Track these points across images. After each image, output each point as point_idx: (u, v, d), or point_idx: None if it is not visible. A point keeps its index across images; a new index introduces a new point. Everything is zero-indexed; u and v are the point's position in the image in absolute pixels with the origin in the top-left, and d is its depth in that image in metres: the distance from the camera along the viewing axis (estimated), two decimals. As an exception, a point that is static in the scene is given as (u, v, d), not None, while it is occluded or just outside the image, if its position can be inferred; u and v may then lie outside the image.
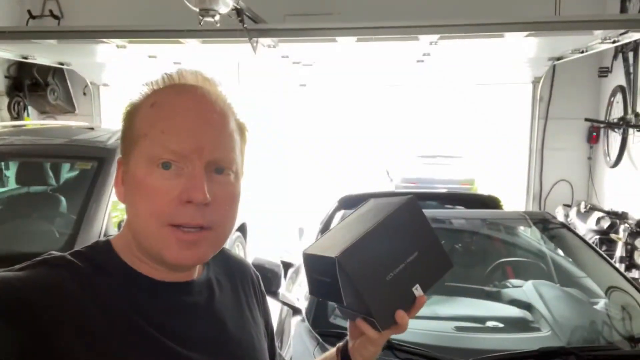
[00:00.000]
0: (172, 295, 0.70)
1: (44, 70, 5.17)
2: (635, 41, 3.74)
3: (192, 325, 0.70)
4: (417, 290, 0.73)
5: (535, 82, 4.86)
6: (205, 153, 0.65)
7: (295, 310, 2.05)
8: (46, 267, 0.65)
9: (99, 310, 0.63)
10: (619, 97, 4.25)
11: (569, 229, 2.54)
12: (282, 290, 2.19)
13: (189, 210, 0.64)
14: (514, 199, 5.29)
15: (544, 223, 2.64)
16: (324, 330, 1.80)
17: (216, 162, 0.66)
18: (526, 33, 3.13)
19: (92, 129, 3.30)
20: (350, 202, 3.14)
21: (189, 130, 0.65)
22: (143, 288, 0.68)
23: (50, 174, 3.02)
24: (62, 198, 2.82)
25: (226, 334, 0.74)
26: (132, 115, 0.69)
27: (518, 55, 4.31)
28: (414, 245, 0.75)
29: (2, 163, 3.10)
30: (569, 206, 4.63)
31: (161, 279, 0.70)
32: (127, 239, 0.70)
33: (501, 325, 1.86)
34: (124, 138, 0.70)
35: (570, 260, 2.51)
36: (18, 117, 5.22)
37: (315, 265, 0.77)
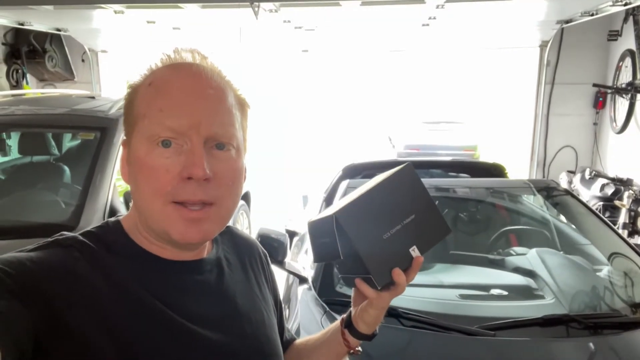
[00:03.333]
0: (182, 274, 0.71)
1: (42, 36, 5.07)
2: (647, 3, 3.63)
3: (202, 303, 0.71)
4: (414, 252, 0.75)
5: (543, 46, 4.76)
6: (203, 128, 0.65)
7: (302, 279, 2.07)
8: (59, 248, 0.65)
9: (110, 290, 0.64)
10: (628, 61, 4.16)
11: (573, 196, 2.54)
12: (288, 259, 2.21)
13: (190, 187, 0.64)
14: (518, 165, 5.28)
15: (548, 191, 2.64)
16: (330, 298, 1.83)
17: (215, 137, 0.66)
18: (536, -5, 3.03)
19: (93, 97, 3.27)
20: (354, 171, 3.13)
21: (185, 107, 0.65)
22: (153, 268, 0.69)
23: (53, 143, 3.01)
24: (66, 168, 2.81)
25: (236, 311, 0.75)
26: (132, 96, 0.69)
27: (526, 18, 4.19)
28: (410, 209, 0.77)
29: (4, 133, 3.09)
30: (573, 172, 4.62)
31: (171, 258, 0.71)
32: (135, 219, 0.71)
33: (505, 292, 1.88)
34: (125, 119, 0.70)
35: (574, 227, 2.52)
36: (17, 85, 5.16)
37: (317, 229, 0.80)
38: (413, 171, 0.79)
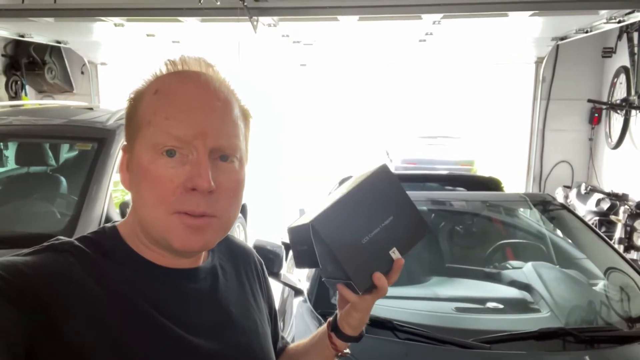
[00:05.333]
0: (177, 282, 0.71)
1: (41, 48, 5.10)
2: (640, 21, 3.69)
3: (196, 312, 0.71)
4: (395, 254, 0.74)
5: (538, 62, 4.82)
6: (209, 139, 0.64)
7: (297, 291, 2.06)
8: (54, 252, 0.65)
9: (106, 296, 0.63)
10: (622, 78, 4.21)
11: (569, 211, 2.55)
12: (283, 271, 2.21)
13: (193, 198, 0.64)
14: (514, 180, 5.30)
15: (544, 205, 2.65)
16: (325, 310, 1.82)
17: (220, 149, 0.66)
18: (531, 12, 3.08)
19: (91, 109, 3.27)
20: (351, 184, 3.13)
21: (192, 116, 0.64)
22: (149, 274, 0.69)
23: (50, 154, 3.01)
24: (63, 179, 2.81)
25: (230, 320, 0.75)
26: (136, 102, 0.69)
27: (521, 35, 4.25)
28: (388, 210, 0.76)
29: (1, 143, 3.09)
30: (569, 187, 4.64)
31: (167, 265, 0.70)
32: (133, 226, 0.70)
33: (501, 306, 1.87)
34: (128, 125, 0.70)
35: (570, 241, 2.52)
36: (16, 96, 5.17)
37: (297, 236, 0.79)
38: (388, 171, 0.78)
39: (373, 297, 0.76)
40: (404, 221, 0.77)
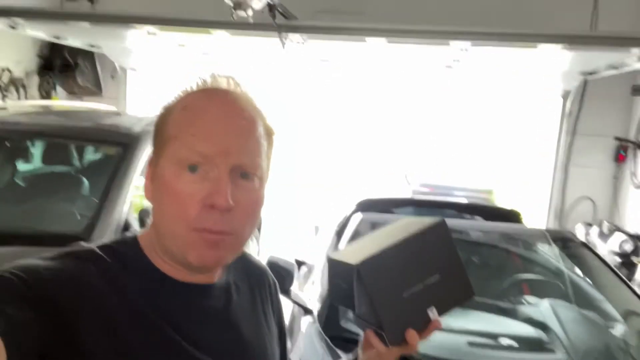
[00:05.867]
0: (191, 297, 0.71)
1: (75, 51, 5.24)
2: (673, 61, 3.63)
3: (207, 329, 0.71)
4: (433, 313, 0.73)
5: (565, 95, 4.76)
6: (231, 157, 0.66)
7: (307, 311, 2.05)
8: (76, 260, 0.66)
9: (121, 307, 0.64)
10: (651, 116, 4.14)
11: (590, 249, 2.49)
12: (294, 289, 2.20)
13: (212, 215, 0.65)
14: (533, 213, 5.20)
15: (564, 241, 2.59)
16: (334, 333, 1.80)
17: (242, 167, 0.67)
18: (561, 46, 3.06)
19: (118, 114, 3.34)
20: (368, 206, 3.12)
21: (216, 133, 0.66)
22: (164, 287, 0.70)
23: (75, 156, 3.07)
24: (86, 181, 2.86)
25: (240, 339, 0.75)
26: (165, 117, 0.71)
27: (549, 68, 4.22)
28: (436, 268, 0.74)
29: (29, 142, 3.16)
30: (590, 225, 4.53)
31: (182, 279, 0.71)
32: (152, 238, 0.71)
33: (515, 344, 1.83)
34: (156, 138, 0.72)
35: (589, 281, 2.46)
36: (47, 96, 5.31)
37: (337, 270, 0.78)
38: (446, 229, 0.77)
39: (400, 350, 0.74)
40: (449, 282, 0.75)
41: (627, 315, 2.11)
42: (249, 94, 0.73)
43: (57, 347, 0.58)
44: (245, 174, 0.67)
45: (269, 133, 0.74)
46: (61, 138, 2.93)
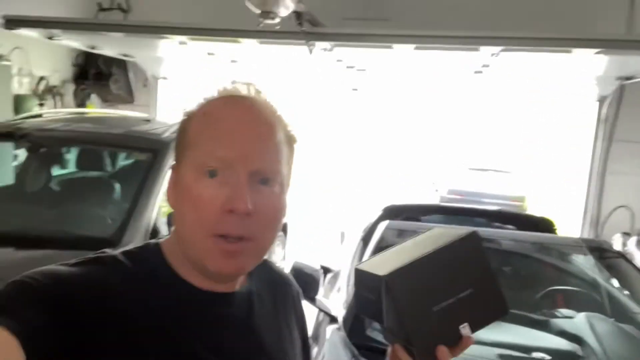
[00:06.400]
0: (213, 306, 0.71)
1: (108, 61, 5.40)
2: None
3: (228, 338, 0.70)
4: (465, 329, 0.69)
5: (601, 101, 4.61)
6: (250, 162, 0.65)
7: (332, 318, 2.03)
8: (99, 266, 0.66)
9: (141, 315, 0.64)
10: (693, 122, 3.96)
11: (627, 260, 2.39)
12: (319, 296, 2.18)
13: (231, 220, 0.64)
14: (567, 222, 5.04)
15: (600, 251, 2.50)
16: (359, 342, 1.77)
17: (261, 172, 0.66)
18: (596, 50, 2.96)
19: (148, 120, 3.42)
20: (394, 212, 3.08)
21: (235, 138, 0.66)
22: (185, 295, 0.69)
23: (108, 161, 3.15)
24: (117, 186, 2.93)
25: (261, 350, 0.74)
26: (186, 123, 0.71)
27: (584, 73, 4.09)
28: (468, 282, 0.71)
29: (64, 148, 3.26)
30: (628, 234, 4.35)
31: (203, 287, 0.70)
32: (175, 244, 0.71)
33: (548, 357, 1.76)
34: (177, 145, 0.72)
35: (627, 293, 2.35)
36: (82, 104, 5.49)
37: (365, 281, 0.76)
38: (479, 241, 0.74)
39: None
40: (482, 297, 0.71)
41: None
42: (269, 100, 0.73)
43: (72, 352, 0.58)
44: (265, 180, 0.67)
45: (290, 140, 0.73)
46: (94, 144, 3.01)
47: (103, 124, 3.29)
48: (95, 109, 5.40)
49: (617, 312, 2.20)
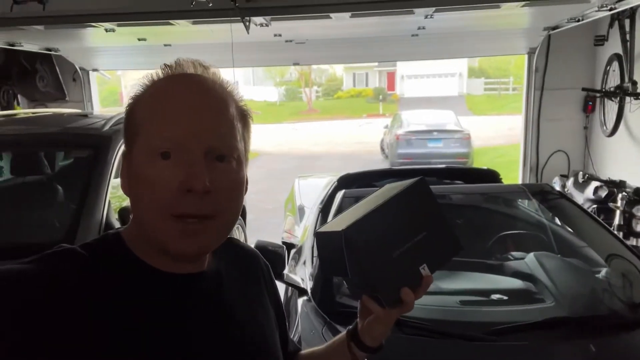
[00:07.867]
0: (180, 287, 0.70)
1: (32, 56, 5.07)
2: (631, 8, 3.70)
3: (200, 316, 0.70)
4: (424, 270, 0.74)
5: (531, 52, 4.82)
6: (204, 140, 0.64)
7: (301, 291, 2.06)
8: (56, 260, 0.64)
9: (107, 304, 0.63)
10: (615, 65, 4.22)
11: (568, 199, 2.55)
12: (286, 271, 2.20)
13: (190, 200, 0.63)
14: (511, 171, 5.31)
15: (542, 194, 2.65)
16: (330, 309, 1.82)
17: (216, 149, 0.65)
18: (522, 3, 3.08)
19: (85, 115, 3.25)
20: (349, 181, 3.13)
21: (185, 118, 0.64)
22: (152, 280, 0.68)
23: (45, 163, 2.99)
24: (60, 187, 2.79)
25: (235, 325, 0.74)
26: (133, 107, 0.69)
27: (513, 26, 4.25)
28: (422, 225, 0.75)
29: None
30: (566, 176, 4.65)
31: (169, 270, 0.69)
32: (135, 231, 0.70)
33: (505, 297, 1.88)
34: (126, 131, 0.69)
35: (570, 230, 2.53)
36: (8, 106, 5.14)
37: (325, 242, 0.78)
38: (426, 185, 0.77)
39: (398, 312, 0.75)
40: (437, 238, 0.75)
41: (609, 258, 2.18)
42: (218, 74, 0.71)
43: (35, 351, 0.56)
44: (221, 157, 0.65)
45: (243, 115, 0.71)
46: (29, 147, 2.84)
47: (36, 124, 3.10)
48: (22, 110, 5.08)
49: (563, 248, 2.37)
